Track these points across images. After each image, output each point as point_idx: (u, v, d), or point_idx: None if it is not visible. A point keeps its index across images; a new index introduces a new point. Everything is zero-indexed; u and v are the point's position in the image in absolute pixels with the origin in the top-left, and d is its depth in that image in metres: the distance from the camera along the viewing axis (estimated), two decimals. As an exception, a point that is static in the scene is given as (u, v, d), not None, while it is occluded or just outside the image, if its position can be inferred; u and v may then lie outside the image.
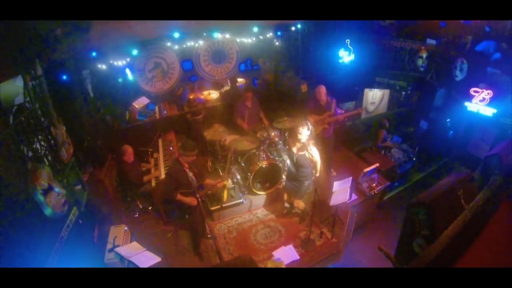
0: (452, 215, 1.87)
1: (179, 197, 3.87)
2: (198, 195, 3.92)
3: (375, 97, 7.43)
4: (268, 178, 5.31)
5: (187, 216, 4.19)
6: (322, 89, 5.25)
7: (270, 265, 3.89)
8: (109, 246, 3.92)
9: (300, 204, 4.82)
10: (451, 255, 1.60)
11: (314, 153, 4.19)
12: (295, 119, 4.32)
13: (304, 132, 4.04)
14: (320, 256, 4.49)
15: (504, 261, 1.53)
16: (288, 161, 4.51)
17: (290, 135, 4.36)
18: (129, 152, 4.91)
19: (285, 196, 5.09)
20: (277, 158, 5.46)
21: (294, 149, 4.22)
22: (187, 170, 3.93)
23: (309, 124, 4.16)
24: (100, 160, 5.11)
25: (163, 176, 5.00)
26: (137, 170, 5.14)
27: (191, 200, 3.91)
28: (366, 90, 7.27)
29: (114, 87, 6.00)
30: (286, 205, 5.26)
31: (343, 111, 5.48)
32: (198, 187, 4.00)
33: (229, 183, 5.12)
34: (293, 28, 6.55)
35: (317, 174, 4.38)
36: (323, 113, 5.28)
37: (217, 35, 5.82)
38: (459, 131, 6.99)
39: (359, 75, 7.11)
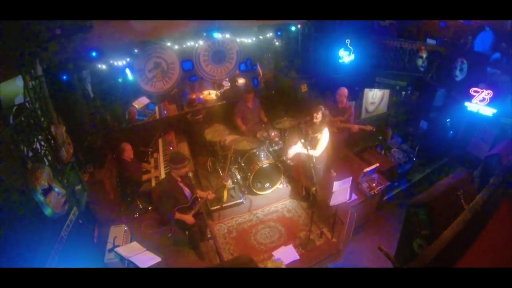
0: (452, 215, 1.87)
1: (178, 215, 3.79)
2: (196, 207, 3.88)
3: (375, 97, 7.43)
4: (268, 178, 5.31)
5: (187, 233, 4.17)
6: (343, 91, 5.16)
7: (270, 265, 3.89)
8: (109, 246, 3.92)
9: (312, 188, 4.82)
10: (451, 255, 1.60)
11: (323, 137, 4.36)
12: (311, 107, 4.49)
13: (319, 117, 4.29)
14: (320, 256, 4.49)
15: (504, 261, 1.53)
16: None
17: (306, 122, 4.56)
18: (128, 150, 4.91)
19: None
20: (277, 158, 5.46)
21: (310, 132, 4.42)
22: (181, 185, 3.85)
23: (323, 109, 4.35)
24: (100, 160, 5.10)
25: (163, 175, 5.00)
26: (137, 168, 5.15)
27: (188, 219, 3.84)
28: (366, 90, 7.27)
29: (114, 87, 5.99)
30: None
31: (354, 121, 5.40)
32: (195, 199, 3.94)
33: (229, 183, 5.13)
34: (293, 28, 6.55)
35: (316, 154, 4.43)
36: (337, 116, 5.22)
37: (217, 35, 5.82)
38: (459, 131, 7.00)
39: (359, 75, 7.10)
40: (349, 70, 7.01)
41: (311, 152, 4.36)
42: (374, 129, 5.36)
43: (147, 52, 5.48)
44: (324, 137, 4.38)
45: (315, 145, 4.41)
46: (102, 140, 5.31)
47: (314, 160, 4.38)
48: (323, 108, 4.35)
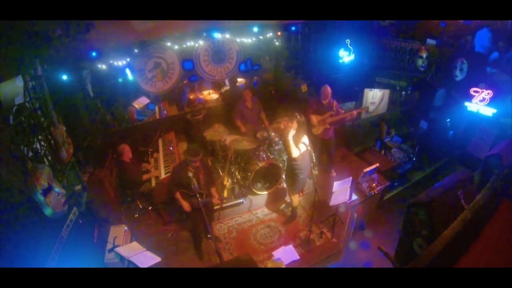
0: (452, 215, 1.87)
1: (178, 195, 3.95)
2: (197, 201, 3.90)
3: (375, 97, 7.42)
4: (268, 178, 5.31)
5: (184, 216, 4.19)
6: (327, 89, 5.21)
7: (270, 265, 3.89)
8: (109, 246, 3.92)
9: (295, 199, 4.82)
10: (451, 255, 1.60)
11: (301, 146, 4.21)
12: (285, 116, 4.39)
13: (293, 126, 4.15)
14: (320, 256, 4.48)
15: (504, 261, 1.53)
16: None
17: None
18: (126, 151, 4.90)
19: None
20: (277, 158, 5.46)
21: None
22: (190, 174, 3.92)
23: (298, 116, 4.24)
24: (100, 160, 5.10)
25: (163, 175, 5.00)
26: (137, 169, 5.14)
27: (185, 205, 3.93)
28: (366, 90, 7.26)
29: (114, 87, 5.99)
30: (288, 199, 5.30)
31: (343, 111, 5.45)
32: (199, 194, 3.94)
33: (229, 183, 5.13)
34: (293, 28, 6.55)
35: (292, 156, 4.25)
36: (325, 113, 5.26)
37: (217, 35, 5.82)
38: (459, 131, 6.99)
39: (359, 75, 7.10)
40: (349, 70, 7.01)
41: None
42: (368, 109, 5.32)
43: (147, 52, 5.48)
44: (295, 145, 4.18)
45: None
46: (102, 140, 5.32)
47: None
48: (298, 116, 4.23)
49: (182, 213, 4.24)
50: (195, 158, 3.88)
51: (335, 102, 5.32)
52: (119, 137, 5.56)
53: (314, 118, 5.30)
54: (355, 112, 5.25)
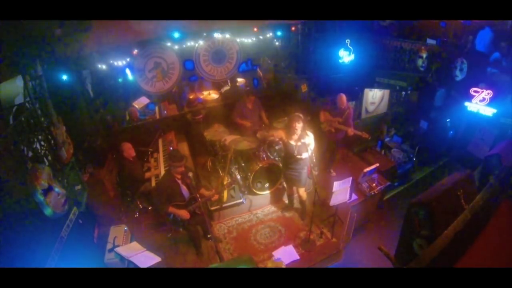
0: (452, 215, 1.87)
1: (172, 209, 3.83)
2: (192, 207, 3.89)
3: (375, 97, 7.43)
4: (268, 178, 5.31)
5: (181, 229, 4.16)
6: (343, 98, 5.26)
7: (270, 265, 3.88)
8: (109, 246, 3.92)
9: (303, 193, 4.81)
10: (451, 255, 1.60)
11: (310, 140, 4.22)
12: (289, 116, 4.42)
13: (299, 126, 4.17)
14: (320, 256, 4.48)
15: (504, 261, 1.53)
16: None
17: (284, 129, 4.42)
18: (127, 148, 4.90)
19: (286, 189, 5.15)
20: (277, 158, 5.46)
21: (292, 141, 4.25)
22: (179, 182, 3.88)
23: (301, 116, 4.26)
24: (100, 160, 5.11)
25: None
26: (139, 166, 5.16)
27: (183, 214, 3.86)
28: (366, 90, 7.26)
29: (114, 87, 5.99)
30: (285, 200, 5.32)
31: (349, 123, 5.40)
32: (192, 199, 3.96)
33: (229, 182, 5.12)
34: (293, 28, 6.55)
35: (313, 159, 4.36)
36: (335, 116, 5.32)
37: (217, 35, 5.82)
38: (459, 131, 6.99)
39: (359, 75, 7.09)
40: (349, 70, 7.01)
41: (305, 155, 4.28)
42: (369, 138, 5.38)
43: (147, 52, 5.48)
44: (311, 141, 4.26)
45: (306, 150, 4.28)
46: (102, 140, 5.32)
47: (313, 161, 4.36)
48: (302, 116, 4.28)
49: (177, 226, 4.18)
50: (180, 162, 3.79)
51: (349, 110, 5.32)
52: (119, 137, 5.56)
53: (323, 115, 5.38)
54: (351, 131, 5.24)
